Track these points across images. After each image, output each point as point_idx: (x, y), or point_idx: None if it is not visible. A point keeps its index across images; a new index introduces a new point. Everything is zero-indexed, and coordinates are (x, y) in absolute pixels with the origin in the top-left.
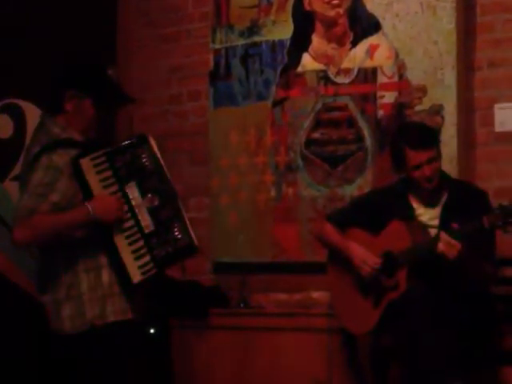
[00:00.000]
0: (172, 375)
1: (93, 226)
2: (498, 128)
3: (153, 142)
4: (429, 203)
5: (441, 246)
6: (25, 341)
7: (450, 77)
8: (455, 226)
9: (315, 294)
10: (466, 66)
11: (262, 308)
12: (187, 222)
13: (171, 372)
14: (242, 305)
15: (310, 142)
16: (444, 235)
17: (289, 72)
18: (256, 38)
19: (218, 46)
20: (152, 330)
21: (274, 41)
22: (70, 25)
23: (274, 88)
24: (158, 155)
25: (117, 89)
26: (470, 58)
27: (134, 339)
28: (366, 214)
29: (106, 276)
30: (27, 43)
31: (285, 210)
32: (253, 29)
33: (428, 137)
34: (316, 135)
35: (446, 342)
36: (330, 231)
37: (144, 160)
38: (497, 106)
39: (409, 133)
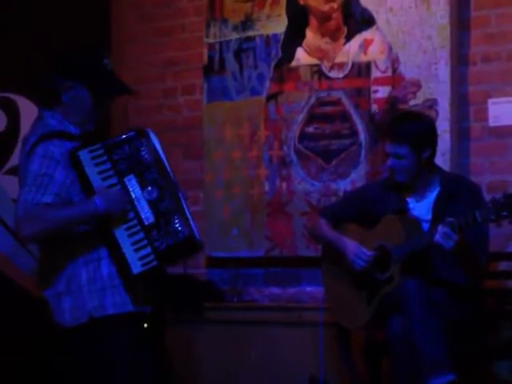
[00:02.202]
0: (166, 369)
1: (98, 219)
2: (491, 122)
3: (153, 136)
4: (421, 197)
5: (438, 238)
6: (25, 339)
7: (443, 71)
8: (450, 219)
9: (309, 289)
10: (460, 60)
11: (255, 302)
12: (188, 215)
13: (166, 366)
14: (235, 299)
15: (303, 137)
16: (441, 227)
17: (283, 66)
18: (250, 33)
19: (212, 41)
20: (145, 325)
21: (268, 35)
22: (64, 19)
23: (267, 82)
24: (158, 148)
25: (113, 79)
26: (464, 53)
27: (133, 331)
28: (359, 209)
29: (105, 268)
30: (21, 38)
31: (278, 205)
32: (247, 23)
33: (402, 132)
34: (310, 130)
35: (440, 335)
36: (323, 226)
37: (143, 153)
38: (490, 100)
39: (392, 121)
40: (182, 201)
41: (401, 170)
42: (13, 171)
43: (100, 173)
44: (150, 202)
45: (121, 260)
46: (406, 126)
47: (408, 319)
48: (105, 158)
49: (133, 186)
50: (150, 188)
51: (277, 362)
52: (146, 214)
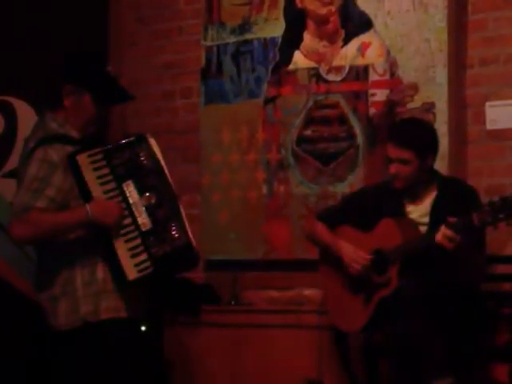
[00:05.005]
0: (164, 372)
1: (90, 226)
2: (489, 126)
3: (152, 142)
4: (419, 200)
5: (439, 238)
6: (24, 343)
7: (441, 74)
8: (452, 219)
9: (306, 292)
10: (458, 63)
11: (253, 305)
12: (185, 223)
13: (163, 369)
14: (233, 302)
15: (301, 140)
16: (443, 228)
17: (280, 69)
18: (247, 36)
19: (209, 44)
20: (143, 328)
21: (265, 38)
22: (62, 22)
23: (265, 85)
24: (158, 154)
25: (116, 85)
26: (462, 56)
27: (127, 337)
28: (357, 212)
29: (100, 273)
30: (19, 41)
31: (276, 208)
32: (244, 26)
33: (408, 137)
34: (307, 133)
35: (437, 339)
36: (321, 230)
37: (142, 159)
38: (488, 103)
39: (396, 125)
40: (180, 209)
41: (403, 177)
42: (11, 174)
43: (99, 177)
44: (148, 208)
45: (116, 266)
46: (413, 132)
47: (406, 321)
48: (104, 162)
49: (131, 192)
50: (148, 194)
51: (274, 364)
52: (144, 220)
